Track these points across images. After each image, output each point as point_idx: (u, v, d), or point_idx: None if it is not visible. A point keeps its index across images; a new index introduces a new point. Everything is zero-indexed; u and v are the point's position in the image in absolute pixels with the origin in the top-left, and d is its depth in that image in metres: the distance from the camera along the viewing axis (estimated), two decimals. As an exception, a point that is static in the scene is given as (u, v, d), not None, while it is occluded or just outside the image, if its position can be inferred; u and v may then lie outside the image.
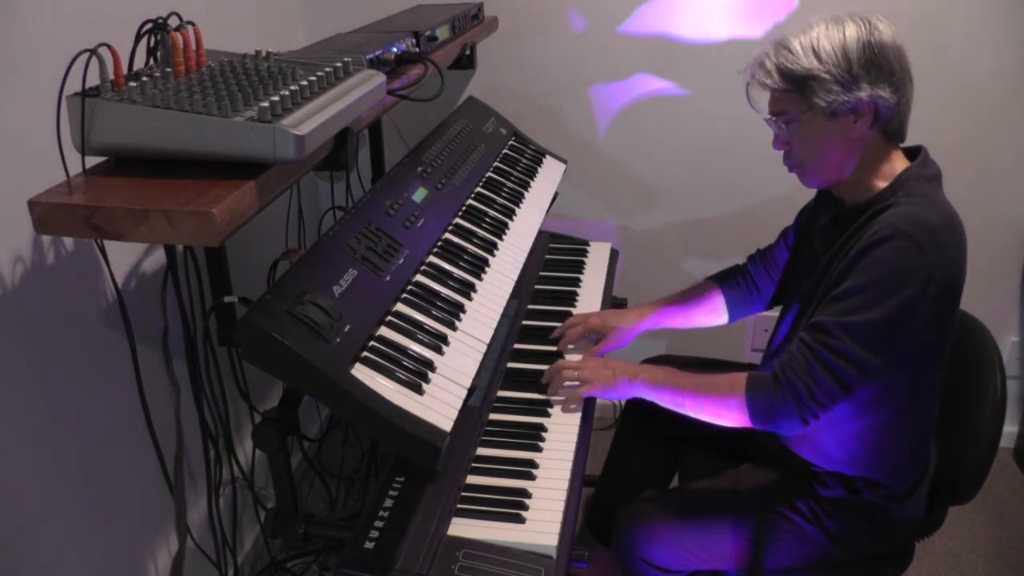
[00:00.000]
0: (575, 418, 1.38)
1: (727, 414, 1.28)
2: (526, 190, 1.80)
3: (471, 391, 1.16)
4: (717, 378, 1.30)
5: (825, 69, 1.19)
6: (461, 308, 1.31)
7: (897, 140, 1.27)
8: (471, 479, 1.24)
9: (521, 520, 1.16)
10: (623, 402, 1.81)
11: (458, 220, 1.53)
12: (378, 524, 1.12)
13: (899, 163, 1.27)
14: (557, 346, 1.57)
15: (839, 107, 1.20)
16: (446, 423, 1.06)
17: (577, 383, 1.41)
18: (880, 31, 1.20)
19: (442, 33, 1.68)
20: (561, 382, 1.41)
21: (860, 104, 1.20)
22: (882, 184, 1.26)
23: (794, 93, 1.23)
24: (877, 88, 1.19)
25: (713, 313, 1.65)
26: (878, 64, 1.19)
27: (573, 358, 1.53)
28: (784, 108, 1.26)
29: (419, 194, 1.48)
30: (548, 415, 1.38)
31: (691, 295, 1.65)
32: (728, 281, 1.65)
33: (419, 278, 1.31)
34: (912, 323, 1.17)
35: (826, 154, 1.26)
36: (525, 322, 1.67)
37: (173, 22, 1.07)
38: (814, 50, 1.20)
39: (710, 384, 1.30)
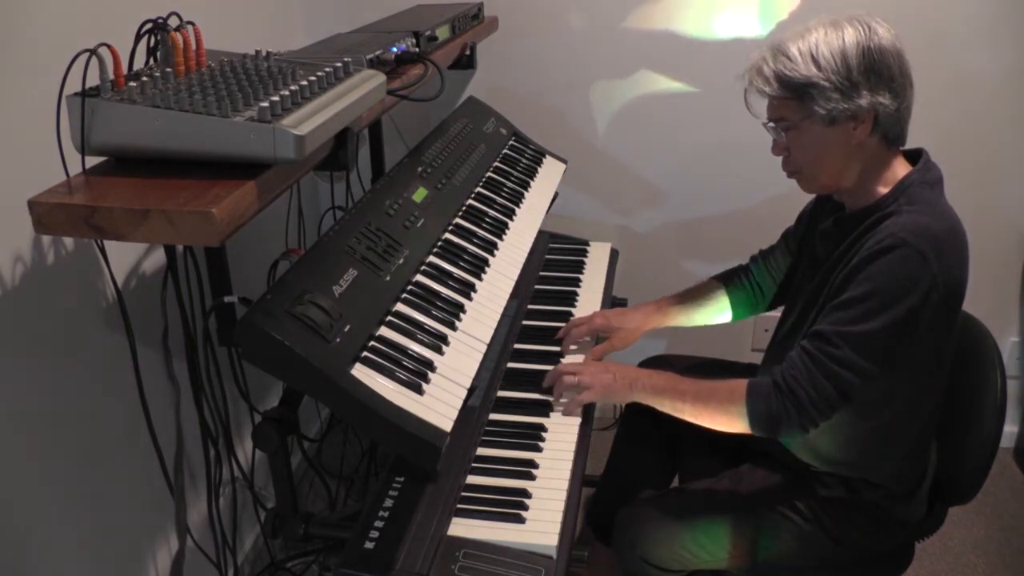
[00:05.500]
0: (575, 418, 1.38)
1: (727, 420, 1.27)
2: (526, 190, 1.80)
3: (471, 391, 1.16)
4: (717, 384, 1.30)
5: (824, 77, 1.17)
6: (461, 308, 1.31)
7: (897, 145, 1.26)
8: (471, 479, 1.24)
9: (521, 520, 1.16)
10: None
11: (458, 220, 1.53)
12: (378, 524, 1.11)
13: (900, 168, 1.26)
14: (560, 347, 1.57)
15: (839, 114, 1.19)
16: (446, 423, 1.06)
17: (577, 386, 1.40)
18: (880, 35, 1.18)
19: (442, 33, 1.67)
20: (563, 387, 1.41)
21: (860, 111, 1.19)
22: (883, 190, 1.25)
23: (793, 100, 1.22)
24: (877, 95, 1.18)
25: (716, 312, 1.65)
26: (878, 70, 1.18)
27: (574, 359, 1.53)
28: (783, 115, 1.25)
29: (419, 194, 1.48)
30: (548, 415, 1.38)
31: (694, 294, 1.65)
32: (731, 281, 1.64)
33: (419, 278, 1.31)
34: (914, 332, 1.17)
35: (825, 161, 1.25)
36: (525, 322, 1.67)
37: (173, 22, 1.07)
38: (813, 57, 1.18)
39: (710, 390, 1.29)
